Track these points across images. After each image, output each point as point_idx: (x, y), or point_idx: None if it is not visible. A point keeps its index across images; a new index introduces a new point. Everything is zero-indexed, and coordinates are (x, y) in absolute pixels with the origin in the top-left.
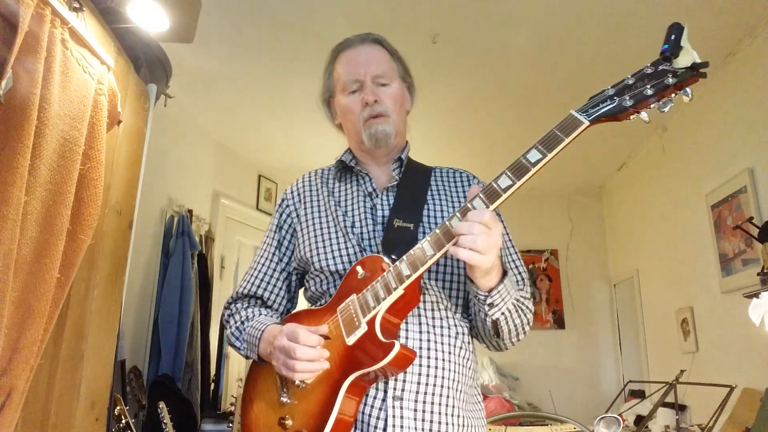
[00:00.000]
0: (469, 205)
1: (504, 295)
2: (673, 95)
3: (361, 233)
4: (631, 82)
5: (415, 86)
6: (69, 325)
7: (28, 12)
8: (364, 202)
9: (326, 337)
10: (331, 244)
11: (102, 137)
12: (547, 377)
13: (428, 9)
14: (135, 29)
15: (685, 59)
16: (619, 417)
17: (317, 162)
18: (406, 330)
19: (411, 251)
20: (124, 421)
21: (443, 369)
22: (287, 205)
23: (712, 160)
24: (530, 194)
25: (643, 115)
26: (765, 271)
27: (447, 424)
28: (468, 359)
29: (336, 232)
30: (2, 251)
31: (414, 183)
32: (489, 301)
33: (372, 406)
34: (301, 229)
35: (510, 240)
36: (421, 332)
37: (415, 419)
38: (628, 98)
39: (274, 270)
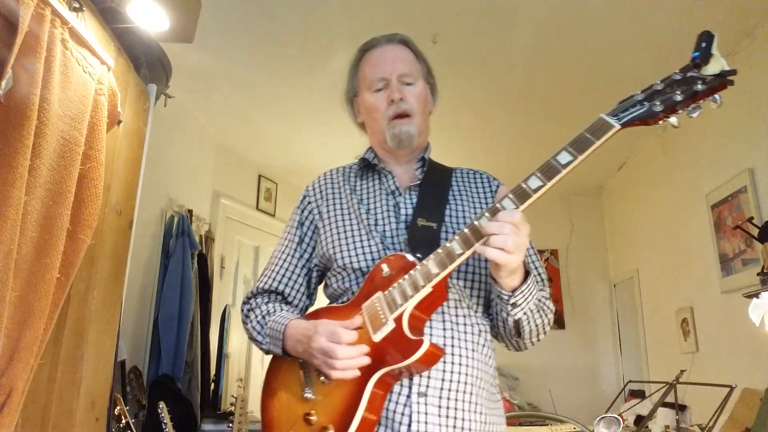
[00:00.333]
0: (498, 205)
1: (527, 295)
2: (701, 101)
3: (384, 231)
4: (659, 87)
5: (437, 88)
6: (69, 325)
7: (28, 12)
8: (387, 200)
9: (358, 328)
10: (354, 242)
11: (102, 137)
12: (547, 377)
13: (428, 9)
14: (135, 29)
15: (714, 66)
16: (619, 417)
17: (317, 162)
18: (430, 327)
19: (439, 249)
20: (124, 421)
21: (467, 366)
22: (309, 202)
23: (712, 160)
24: None
25: (673, 119)
26: (765, 271)
27: (470, 420)
28: (489, 357)
29: (359, 229)
30: (2, 251)
31: (436, 183)
32: (512, 300)
33: (396, 402)
34: (324, 226)
35: (530, 241)
36: (444, 329)
37: (439, 415)
38: (658, 103)
39: (296, 266)
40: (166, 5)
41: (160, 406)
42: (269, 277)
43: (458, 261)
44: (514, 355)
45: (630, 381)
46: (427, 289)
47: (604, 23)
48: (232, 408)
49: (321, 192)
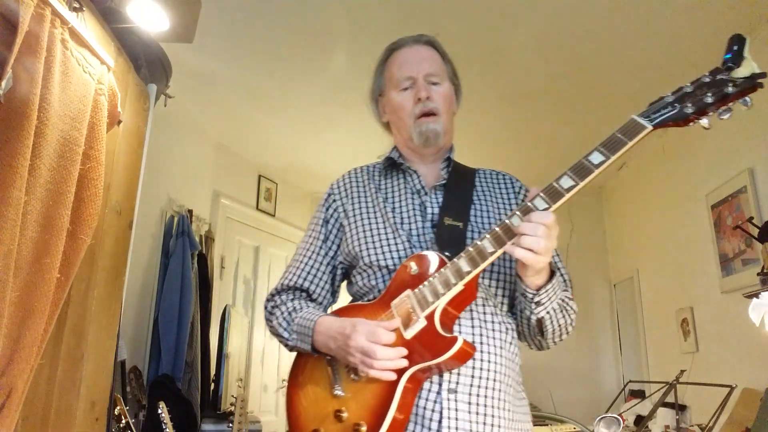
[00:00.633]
0: (530, 204)
1: (551, 294)
2: (731, 104)
3: (410, 230)
4: (689, 90)
5: (462, 89)
6: (69, 325)
7: (28, 12)
8: (413, 199)
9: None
10: (380, 240)
11: (102, 137)
12: (547, 377)
13: (428, 9)
14: (135, 29)
15: (745, 69)
16: (619, 417)
17: (317, 162)
18: (459, 325)
19: (470, 248)
20: (124, 421)
21: (495, 363)
22: (334, 200)
23: (712, 160)
24: None
25: (704, 121)
26: (765, 271)
27: (499, 417)
28: (516, 354)
29: (385, 227)
30: (2, 251)
31: (461, 183)
32: (536, 299)
33: (427, 399)
34: (349, 224)
35: None
36: (473, 327)
37: (469, 412)
38: (689, 105)
39: (321, 263)
40: (166, 5)
41: (160, 406)
42: (294, 273)
43: (490, 259)
44: None
45: (630, 381)
46: (459, 287)
47: (603, 24)
48: (232, 408)
49: (346, 190)
